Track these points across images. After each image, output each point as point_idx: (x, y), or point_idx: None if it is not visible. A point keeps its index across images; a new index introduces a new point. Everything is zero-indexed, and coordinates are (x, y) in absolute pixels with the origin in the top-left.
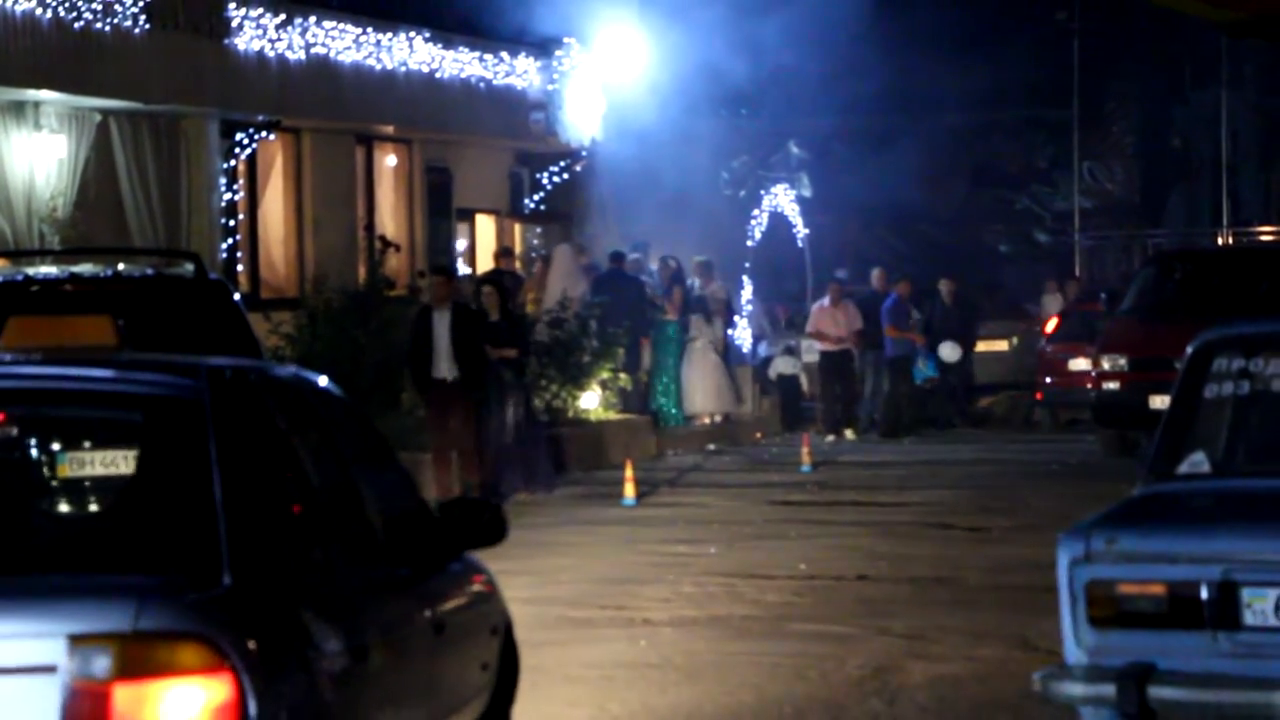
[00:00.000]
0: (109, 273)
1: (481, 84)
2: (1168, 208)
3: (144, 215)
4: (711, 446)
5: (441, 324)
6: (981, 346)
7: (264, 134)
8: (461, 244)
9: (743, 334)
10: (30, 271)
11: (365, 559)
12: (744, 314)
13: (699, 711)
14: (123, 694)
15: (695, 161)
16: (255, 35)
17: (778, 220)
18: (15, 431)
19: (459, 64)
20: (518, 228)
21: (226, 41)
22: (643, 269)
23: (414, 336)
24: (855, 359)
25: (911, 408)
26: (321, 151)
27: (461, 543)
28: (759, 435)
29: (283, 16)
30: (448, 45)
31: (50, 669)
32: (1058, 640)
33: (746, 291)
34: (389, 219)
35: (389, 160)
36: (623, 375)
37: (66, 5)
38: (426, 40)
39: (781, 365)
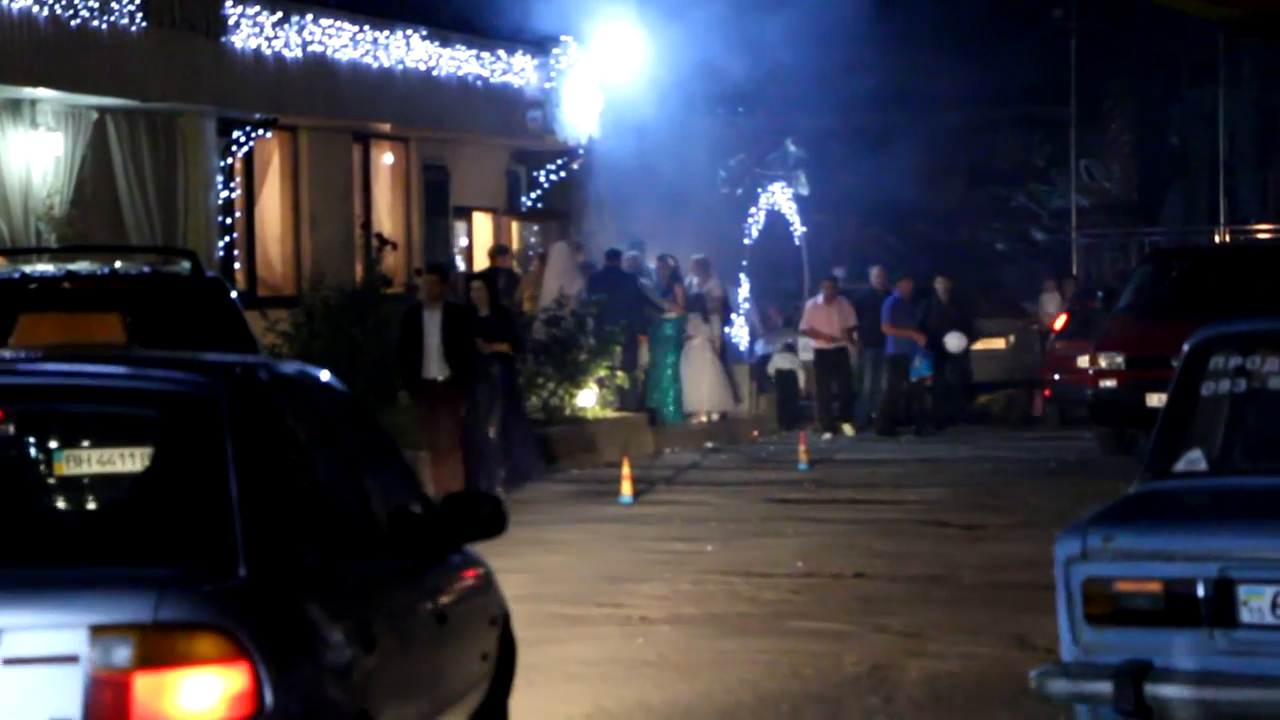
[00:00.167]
0: (106, 271)
1: (478, 82)
2: (1165, 206)
3: (141, 213)
4: (709, 444)
5: (432, 323)
6: (979, 344)
7: (261, 132)
8: (462, 241)
9: (740, 332)
10: (27, 269)
11: (370, 551)
12: (741, 312)
13: (696, 709)
14: (143, 683)
15: (692, 159)
16: (252, 33)
17: (775, 218)
18: (35, 427)
19: (456, 62)
20: (515, 226)
21: (223, 39)
22: (641, 267)
23: (404, 336)
24: (851, 356)
25: (909, 405)
26: (318, 149)
27: (462, 535)
28: (756, 433)
29: (279, 14)
30: (445, 43)
31: (72, 659)
32: (1054, 638)
33: (744, 290)
34: (386, 217)
35: (386, 158)
36: (620, 373)
37: (63, 3)
38: (423, 38)
39: (780, 361)
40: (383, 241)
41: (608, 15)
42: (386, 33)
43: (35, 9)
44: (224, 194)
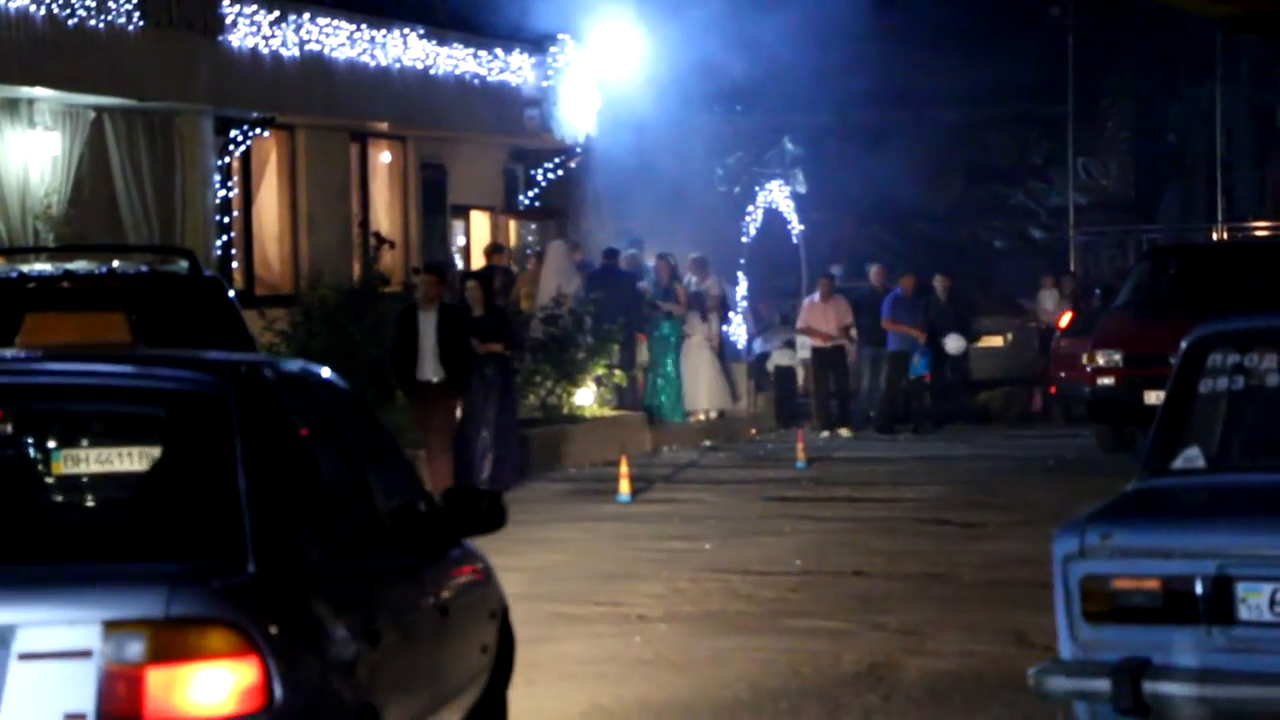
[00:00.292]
0: (104, 270)
1: (476, 80)
2: (1163, 204)
3: (138, 212)
4: (707, 443)
5: (428, 324)
6: (978, 342)
7: (258, 131)
8: (459, 240)
9: (738, 330)
10: (25, 269)
11: (374, 546)
12: (739, 310)
13: (694, 707)
14: (155, 677)
15: (690, 158)
16: (249, 32)
17: (772, 217)
18: (46, 426)
19: (453, 60)
20: (512, 224)
21: (221, 38)
22: (640, 266)
23: (399, 336)
24: (849, 355)
25: (908, 403)
26: (316, 148)
27: (462, 530)
28: (754, 431)
29: (277, 13)
30: (442, 42)
31: (86, 654)
32: (1053, 635)
33: (741, 288)
34: (383, 216)
35: (383, 157)
36: (618, 371)
37: (60, 2)
38: (421, 37)
39: (779, 358)
40: (380, 240)
41: (605, 14)
42: (384, 31)
43: (32, 8)
44: (221, 193)
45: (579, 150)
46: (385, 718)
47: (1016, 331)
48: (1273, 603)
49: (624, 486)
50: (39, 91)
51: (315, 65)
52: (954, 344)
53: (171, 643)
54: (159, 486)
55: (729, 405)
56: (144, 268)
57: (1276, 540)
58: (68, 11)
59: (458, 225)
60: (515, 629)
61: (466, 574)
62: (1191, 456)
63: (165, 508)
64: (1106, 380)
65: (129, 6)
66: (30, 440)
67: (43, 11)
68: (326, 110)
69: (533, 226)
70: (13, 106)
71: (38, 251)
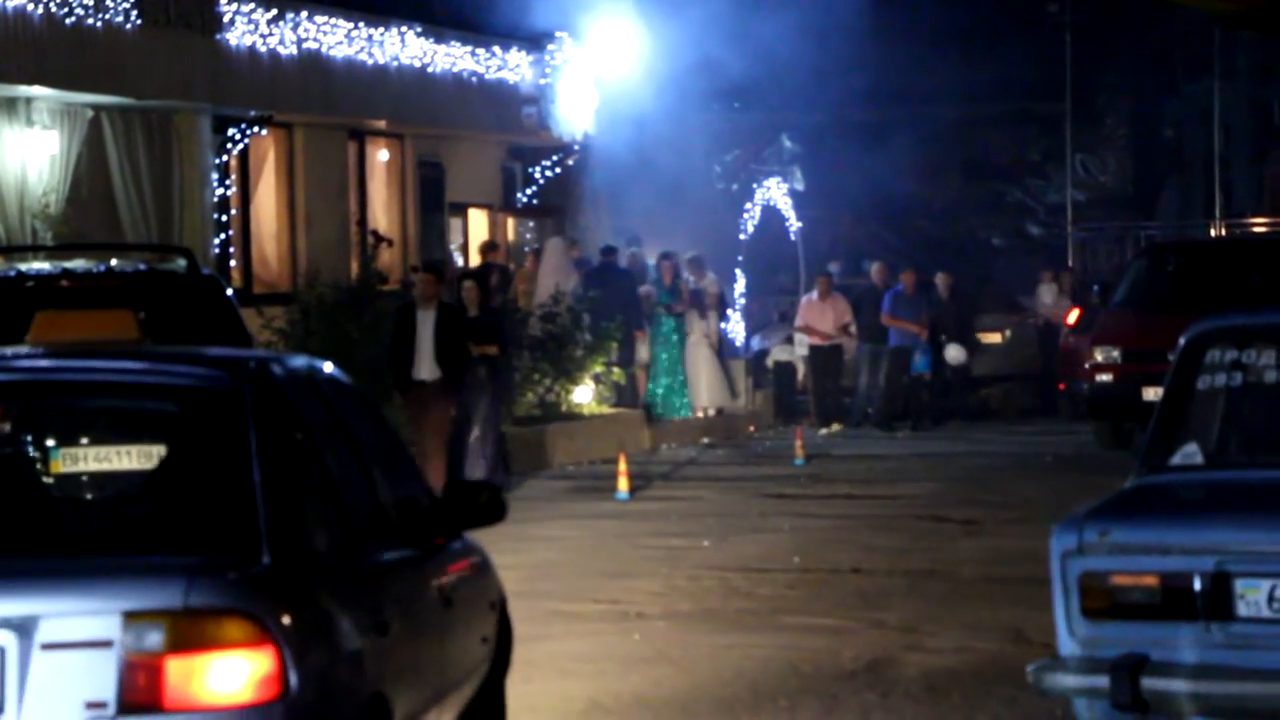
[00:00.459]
0: (102, 268)
1: (474, 78)
2: (1161, 200)
3: (136, 211)
4: (705, 440)
5: (426, 323)
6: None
7: (256, 129)
8: (458, 238)
9: (736, 327)
10: (23, 267)
11: (381, 539)
12: (737, 308)
13: (693, 705)
14: (174, 666)
15: (688, 155)
16: (247, 30)
17: (770, 214)
18: (67, 421)
19: (451, 58)
20: (510, 222)
21: (218, 37)
22: (641, 264)
23: (396, 335)
24: (847, 353)
25: (909, 399)
26: (314, 146)
27: (463, 523)
28: (752, 429)
29: (274, 11)
30: (440, 40)
31: (107, 644)
32: (1052, 632)
33: (739, 285)
34: (381, 214)
35: (381, 155)
36: (616, 369)
37: (58, 1)
38: (418, 35)
39: (778, 353)
40: (378, 238)
41: (603, 11)
42: (381, 29)
43: (30, 7)
44: (219, 191)
45: (577, 148)
46: (394, 706)
47: (1015, 328)
48: (1271, 599)
49: (622, 484)
50: (37, 90)
51: (313, 63)
52: (955, 353)
53: (190, 632)
54: (175, 480)
55: (728, 403)
56: (142, 266)
57: (1274, 536)
58: (65, 10)
59: (456, 223)
60: (514, 626)
61: (467, 566)
62: (1190, 453)
63: (181, 501)
64: (1105, 377)
65: (126, 5)
66: (47, 436)
67: (40, 10)
68: (324, 108)
69: (531, 224)
70: (11, 105)
71: (36, 250)
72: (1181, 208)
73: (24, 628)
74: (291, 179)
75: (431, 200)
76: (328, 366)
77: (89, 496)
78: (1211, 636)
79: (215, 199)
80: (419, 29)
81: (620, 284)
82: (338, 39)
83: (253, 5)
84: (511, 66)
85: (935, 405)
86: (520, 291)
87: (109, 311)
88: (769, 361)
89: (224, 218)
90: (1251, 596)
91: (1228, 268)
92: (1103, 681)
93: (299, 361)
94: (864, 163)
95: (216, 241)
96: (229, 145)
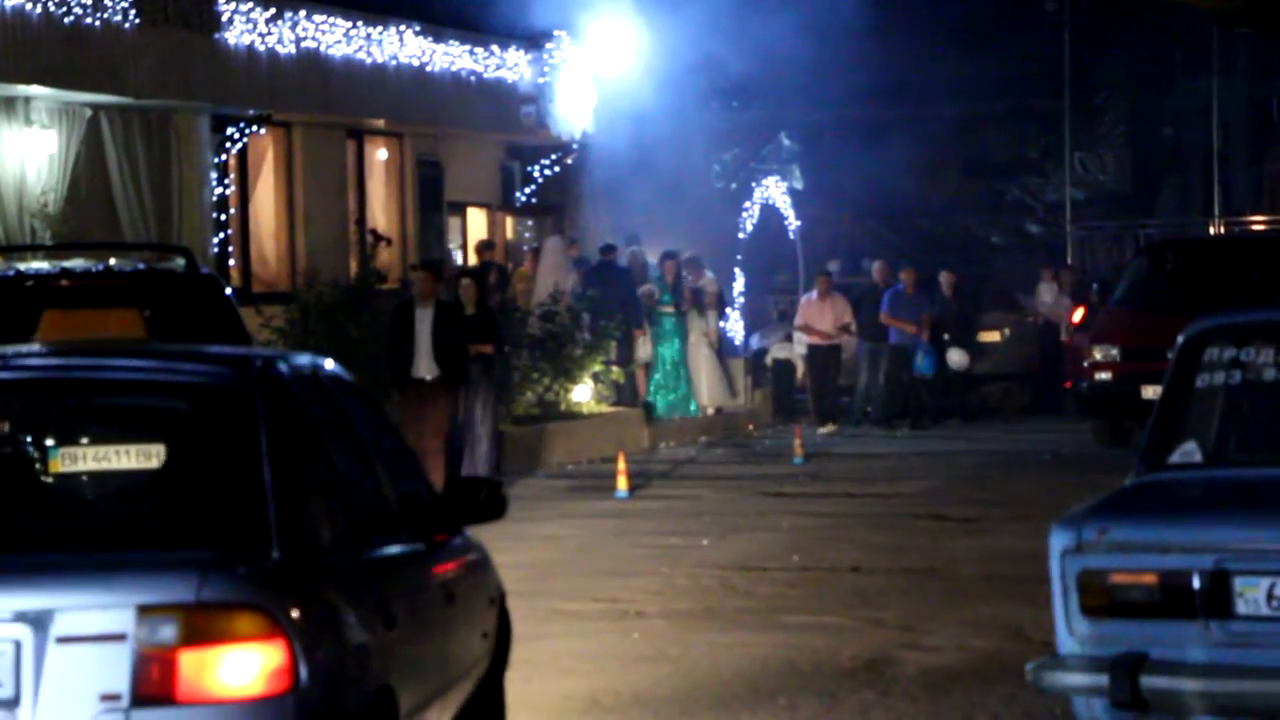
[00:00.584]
0: (100, 268)
1: (472, 77)
2: (1159, 198)
3: (135, 210)
4: (704, 439)
5: (424, 321)
6: (975, 337)
7: (255, 128)
8: (457, 238)
9: (735, 327)
10: (22, 267)
11: (386, 534)
12: (736, 307)
13: (692, 703)
14: (187, 659)
15: (687, 154)
16: (245, 29)
17: (769, 212)
18: (79, 419)
19: (449, 57)
20: (509, 221)
21: (216, 36)
22: (643, 263)
23: (394, 333)
24: (845, 352)
25: (909, 397)
26: (312, 146)
27: (464, 518)
28: (751, 428)
29: (273, 10)
30: (438, 39)
31: (121, 637)
32: (1051, 630)
33: (738, 284)
34: (380, 213)
35: (380, 154)
36: (615, 368)
37: (56, 1)
38: (417, 34)
39: (777, 351)
40: (377, 237)
41: (601, 10)
42: (380, 29)
43: (29, 6)
44: (218, 190)
45: (575, 146)
46: (401, 699)
47: (1014, 326)
48: (1270, 597)
49: (621, 483)
50: (35, 89)
51: (311, 62)
52: (958, 358)
53: (202, 626)
54: (186, 477)
55: (727, 402)
56: (141, 265)
57: (1273, 534)
58: (63, 9)
59: (454, 222)
60: (514, 625)
61: (468, 562)
62: (1189, 451)
63: (193, 497)
64: (1104, 375)
65: (125, 4)
66: (60, 433)
67: (39, 9)
68: (323, 107)
69: (529, 223)
70: (9, 105)
71: (35, 250)
72: (1180, 206)
73: (40, 621)
74: (290, 178)
75: (430, 199)
76: (330, 364)
77: (102, 493)
78: (1210, 634)
79: (214, 198)
80: (417, 28)
81: (619, 283)
82: (336, 38)
83: (251, 4)
84: (510, 65)
85: (934, 404)
86: (519, 291)
87: (116, 310)
88: (767, 360)
89: (223, 217)
90: (1250, 594)
91: (1227, 266)
92: (1102, 680)
93: (304, 359)
94: (863, 161)
95: (215, 241)
96: (228, 144)
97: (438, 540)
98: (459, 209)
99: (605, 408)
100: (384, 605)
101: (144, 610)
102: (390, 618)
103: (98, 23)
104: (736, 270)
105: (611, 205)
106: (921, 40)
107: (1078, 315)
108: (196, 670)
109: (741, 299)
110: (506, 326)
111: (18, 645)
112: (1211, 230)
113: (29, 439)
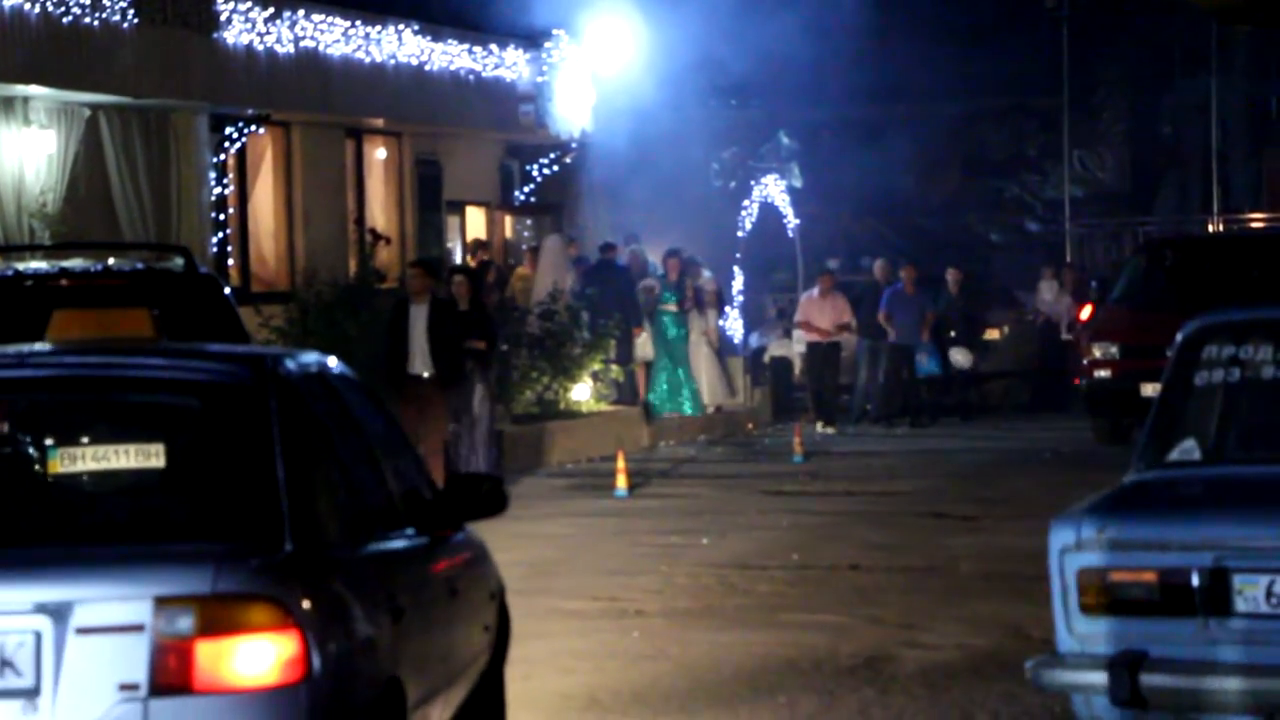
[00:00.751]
0: (99, 267)
1: (471, 76)
2: (1159, 196)
3: (134, 210)
4: (704, 438)
5: (419, 318)
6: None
7: (253, 128)
8: (456, 236)
9: (734, 325)
10: (20, 266)
11: (391, 529)
12: (735, 305)
13: (691, 701)
14: (204, 649)
15: (686, 152)
16: (244, 29)
17: (768, 211)
18: (95, 416)
19: (448, 56)
20: (508, 220)
21: (215, 35)
22: (642, 260)
23: (390, 331)
24: (845, 350)
25: (908, 395)
26: (311, 145)
27: (466, 514)
28: (751, 426)
29: (271, 10)
30: (437, 38)
31: (138, 628)
32: (1050, 628)
33: (737, 282)
34: (379, 212)
35: (379, 153)
36: (614, 367)
37: (55, 0)
38: (415, 33)
39: (776, 349)
40: (376, 236)
41: (600, 9)
42: (379, 28)
43: (27, 6)
44: (217, 190)
45: (574, 145)
46: (408, 690)
47: (1013, 324)
48: (1269, 594)
49: (621, 481)
50: (34, 89)
51: (310, 62)
52: (961, 358)
53: (218, 617)
54: (201, 472)
55: (727, 400)
56: (140, 265)
57: (1272, 532)
58: (62, 9)
59: (453, 221)
60: (513, 623)
61: (470, 557)
62: (1188, 449)
63: (207, 492)
64: (1103, 372)
65: (123, 4)
66: (78, 430)
67: (37, 9)
68: (322, 107)
69: (528, 222)
70: (8, 104)
71: (33, 249)
72: (1179, 203)
73: (59, 613)
74: (289, 177)
75: (429, 198)
76: (334, 362)
77: (119, 488)
78: (1209, 632)
79: (213, 198)
80: (416, 27)
81: (618, 281)
82: (335, 37)
83: (250, 4)
84: (509, 64)
85: (934, 402)
86: (517, 290)
87: (125, 310)
88: (766, 357)
89: (222, 216)
90: (1249, 592)
91: (1226, 263)
92: (1101, 677)
93: (310, 357)
94: (862, 159)
95: (214, 240)
96: (226, 144)
97: (441, 535)
98: (458, 208)
99: (605, 406)
100: (391, 598)
101: (161, 601)
102: (398, 610)
103: (96, 22)
104: (735, 269)
105: (610, 204)
106: (920, 38)
107: (1085, 313)
108: (213, 660)
109: (740, 297)
110: (504, 325)
111: (38, 636)
112: (1210, 228)
113: (46, 437)
